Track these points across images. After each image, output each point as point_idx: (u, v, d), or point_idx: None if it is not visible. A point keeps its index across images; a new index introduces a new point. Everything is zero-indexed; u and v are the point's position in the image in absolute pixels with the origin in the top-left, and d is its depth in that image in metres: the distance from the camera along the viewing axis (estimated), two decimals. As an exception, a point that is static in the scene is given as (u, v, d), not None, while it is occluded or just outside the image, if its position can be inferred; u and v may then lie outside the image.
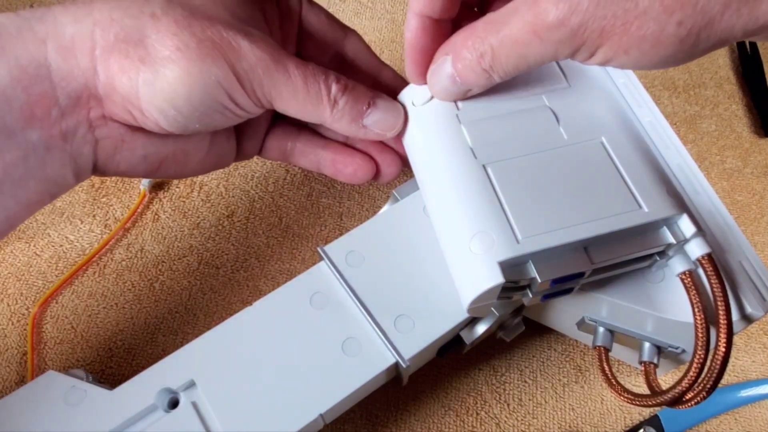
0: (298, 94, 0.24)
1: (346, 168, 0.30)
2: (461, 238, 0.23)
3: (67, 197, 0.38)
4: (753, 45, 0.47)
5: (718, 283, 0.24)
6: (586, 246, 0.23)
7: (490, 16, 0.22)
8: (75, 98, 0.22)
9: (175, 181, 0.39)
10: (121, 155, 0.25)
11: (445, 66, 0.24)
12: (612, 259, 0.23)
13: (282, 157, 0.31)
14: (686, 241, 0.24)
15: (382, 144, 0.31)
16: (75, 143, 0.23)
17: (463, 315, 0.26)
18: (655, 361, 0.27)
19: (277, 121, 0.31)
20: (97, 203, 0.38)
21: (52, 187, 0.23)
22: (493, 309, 0.26)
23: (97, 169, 0.25)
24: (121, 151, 0.25)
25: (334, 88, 0.25)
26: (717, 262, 0.24)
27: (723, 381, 0.28)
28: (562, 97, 0.27)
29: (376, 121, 0.26)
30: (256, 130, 0.30)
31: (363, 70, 0.31)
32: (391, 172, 0.31)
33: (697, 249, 0.24)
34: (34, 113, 0.21)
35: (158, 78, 0.22)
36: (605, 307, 0.27)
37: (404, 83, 0.30)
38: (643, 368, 0.27)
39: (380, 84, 0.31)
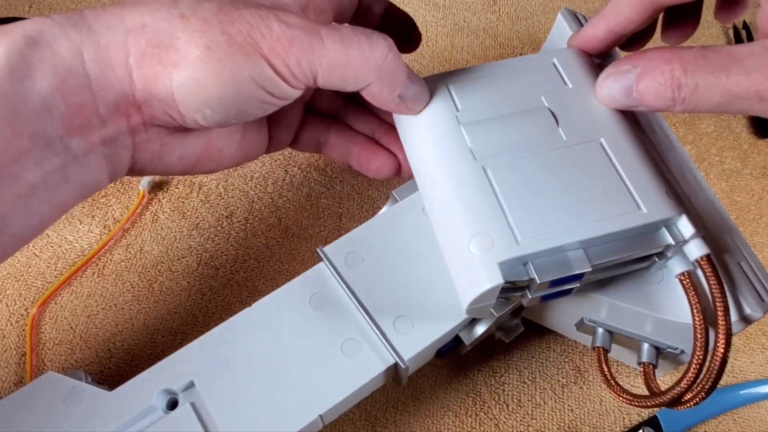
0: (339, 62, 0.24)
1: (371, 164, 0.31)
2: (461, 239, 0.23)
3: (66, 198, 0.38)
4: (752, 46, 0.47)
5: (716, 284, 0.24)
6: (585, 247, 0.23)
7: (706, 52, 0.22)
8: (114, 106, 0.22)
9: (174, 182, 0.39)
10: (159, 158, 0.25)
11: (627, 77, 0.24)
12: (611, 260, 0.23)
13: (315, 150, 0.32)
14: (685, 242, 0.24)
15: None
16: (115, 149, 0.23)
17: (462, 316, 0.26)
18: (654, 362, 0.27)
19: (308, 114, 0.31)
20: (96, 204, 0.38)
21: (86, 190, 0.24)
22: (492, 310, 0.26)
23: (133, 171, 0.25)
24: (160, 154, 0.25)
25: (383, 48, 0.24)
26: (716, 264, 0.24)
27: (722, 382, 0.28)
28: (562, 97, 0.27)
29: (413, 95, 0.26)
30: (289, 122, 0.30)
31: (376, 9, 0.31)
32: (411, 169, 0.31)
33: (695, 250, 0.24)
34: (74, 122, 0.21)
35: (190, 81, 0.22)
36: (604, 308, 0.27)
37: (407, 14, 0.31)
38: (642, 369, 0.27)
39: (388, 18, 0.31)
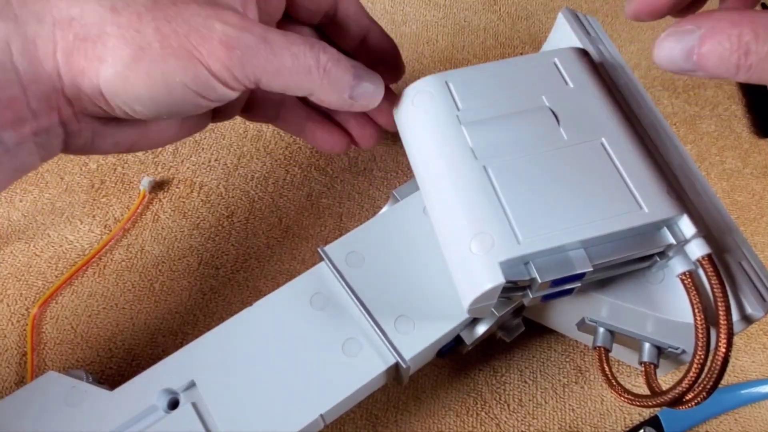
0: (285, 69, 0.23)
1: (325, 143, 0.31)
2: (462, 239, 0.23)
3: (67, 198, 0.38)
4: (753, 45, 0.47)
5: (718, 284, 0.24)
6: (586, 247, 0.23)
7: None
8: (45, 100, 0.22)
9: (175, 182, 0.39)
10: (92, 144, 0.25)
11: (689, 38, 0.21)
12: (612, 260, 0.23)
13: (267, 121, 0.32)
14: (686, 241, 0.24)
15: (362, 117, 0.31)
16: (47, 138, 0.23)
17: (463, 315, 0.26)
18: (655, 361, 0.27)
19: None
20: (97, 204, 0.38)
21: (18, 173, 0.23)
22: (493, 309, 0.26)
23: (67, 152, 0.25)
24: (92, 140, 0.24)
25: (323, 58, 0.24)
26: (717, 263, 0.24)
27: (723, 381, 0.28)
28: (562, 97, 0.27)
29: (363, 93, 0.26)
30: (236, 100, 0.29)
31: (352, 29, 0.30)
32: (368, 144, 0.32)
33: (697, 250, 0.24)
34: (6, 117, 0.21)
35: (118, 78, 0.21)
36: (605, 307, 0.27)
37: (391, 43, 0.31)
38: (643, 369, 0.27)
39: (368, 43, 0.31)
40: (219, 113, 0.29)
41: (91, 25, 0.21)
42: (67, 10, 0.21)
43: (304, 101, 0.31)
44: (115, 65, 0.21)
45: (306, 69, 0.23)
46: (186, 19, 0.21)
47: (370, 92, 0.26)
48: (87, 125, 0.24)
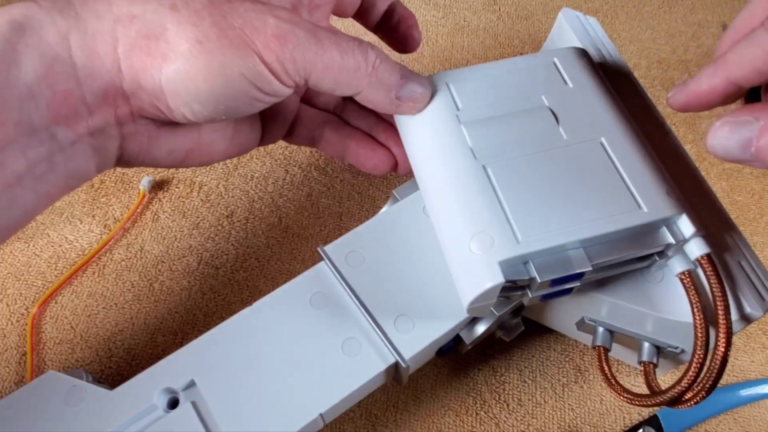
0: (334, 65, 0.23)
1: (368, 161, 0.31)
2: (461, 238, 0.23)
3: (67, 197, 0.38)
4: (752, 45, 0.47)
5: (717, 284, 0.24)
6: (585, 246, 0.23)
7: None
8: (102, 96, 0.22)
9: (175, 182, 0.39)
10: (147, 151, 0.25)
11: (746, 130, 0.21)
12: (611, 260, 0.23)
13: (309, 144, 0.32)
14: (685, 241, 0.24)
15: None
16: (102, 139, 0.23)
17: (462, 315, 0.26)
18: (655, 361, 0.27)
19: (303, 107, 0.31)
20: (97, 203, 0.38)
21: (73, 181, 0.23)
22: (492, 309, 0.26)
23: (121, 162, 0.25)
24: (148, 147, 0.25)
25: (371, 56, 0.24)
26: (716, 263, 0.24)
27: (722, 381, 0.28)
28: (562, 97, 0.27)
29: (410, 94, 0.26)
30: (283, 115, 0.30)
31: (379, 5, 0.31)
32: (407, 166, 0.31)
33: (696, 249, 0.24)
34: (60, 111, 0.21)
35: (180, 74, 0.21)
36: (605, 307, 0.27)
37: (410, 12, 0.31)
38: (642, 368, 0.27)
39: (391, 16, 0.31)
40: (266, 133, 0.30)
41: (152, 22, 0.21)
42: (128, 7, 0.22)
43: (345, 121, 0.32)
44: (176, 60, 0.21)
45: (355, 66, 0.24)
46: (241, 14, 0.22)
47: (417, 93, 0.26)
48: (143, 128, 0.24)
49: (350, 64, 0.24)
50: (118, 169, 0.39)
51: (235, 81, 0.22)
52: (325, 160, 0.41)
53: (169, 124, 0.24)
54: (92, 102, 0.22)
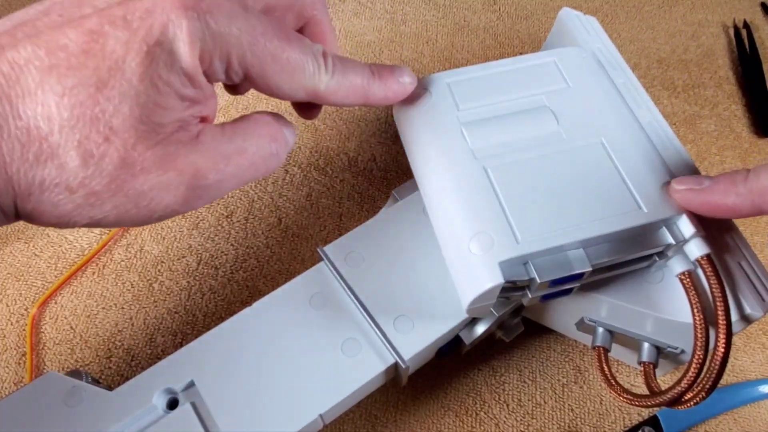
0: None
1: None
2: (461, 239, 0.23)
3: (67, 197, 0.38)
4: (752, 45, 0.47)
5: (717, 284, 0.24)
6: (585, 247, 0.23)
7: None
8: None
9: (175, 182, 0.39)
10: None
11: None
12: (611, 260, 0.23)
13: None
14: (685, 241, 0.24)
15: None
16: None
17: (462, 315, 0.26)
18: (655, 361, 0.27)
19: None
20: (97, 203, 0.38)
21: None
22: (492, 309, 0.26)
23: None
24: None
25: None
26: (716, 263, 0.24)
27: (722, 381, 0.28)
28: (562, 97, 0.27)
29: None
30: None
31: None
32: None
33: (696, 249, 0.24)
34: None
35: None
36: (604, 307, 0.27)
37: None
38: (642, 368, 0.27)
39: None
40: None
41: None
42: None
43: None
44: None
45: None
46: None
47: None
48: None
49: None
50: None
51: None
52: (325, 160, 0.41)
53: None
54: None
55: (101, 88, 0.18)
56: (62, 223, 0.19)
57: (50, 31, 0.18)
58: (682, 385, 0.24)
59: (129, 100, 0.18)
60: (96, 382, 0.26)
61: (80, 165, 0.18)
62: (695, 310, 0.24)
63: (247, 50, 0.20)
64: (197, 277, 0.36)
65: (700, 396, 0.23)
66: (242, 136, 0.21)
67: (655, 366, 0.27)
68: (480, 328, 0.27)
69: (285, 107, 0.42)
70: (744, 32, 0.49)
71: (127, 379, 0.25)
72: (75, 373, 0.26)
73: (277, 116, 0.23)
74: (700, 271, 0.24)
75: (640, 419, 0.33)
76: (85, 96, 0.17)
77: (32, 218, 0.19)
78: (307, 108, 0.26)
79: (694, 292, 0.24)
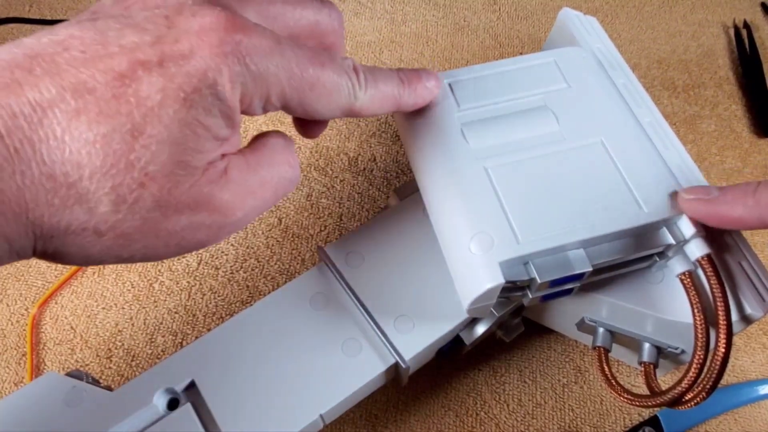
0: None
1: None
2: (461, 239, 0.23)
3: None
4: (752, 45, 0.47)
5: (717, 284, 0.24)
6: (585, 247, 0.23)
7: None
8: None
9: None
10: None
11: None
12: (611, 260, 0.23)
13: None
14: (686, 241, 0.24)
15: None
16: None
17: (462, 315, 0.26)
18: (655, 361, 0.27)
19: None
20: (97, 203, 0.38)
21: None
22: (492, 309, 0.26)
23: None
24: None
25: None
26: (716, 263, 0.24)
27: (723, 381, 0.28)
28: (562, 97, 0.27)
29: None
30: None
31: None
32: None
33: (696, 250, 0.24)
34: None
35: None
36: (605, 307, 0.27)
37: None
38: (642, 369, 0.27)
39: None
40: None
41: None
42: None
43: None
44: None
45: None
46: None
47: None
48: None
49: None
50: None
51: None
52: (325, 160, 0.41)
53: None
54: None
55: (137, 136, 0.17)
56: (88, 263, 0.19)
57: (74, 70, 0.16)
58: (683, 385, 0.24)
59: (167, 147, 0.17)
60: (96, 382, 0.26)
61: (112, 210, 0.17)
62: (695, 311, 0.24)
63: (285, 85, 0.19)
64: (197, 277, 0.36)
65: (701, 396, 0.23)
66: (265, 167, 0.21)
67: (656, 366, 0.27)
68: (480, 329, 0.27)
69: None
70: (744, 32, 0.49)
71: (128, 379, 0.25)
72: (75, 374, 0.26)
73: (288, 140, 0.22)
74: (700, 271, 0.24)
75: (641, 419, 0.33)
76: (120, 143, 0.16)
77: (54, 258, 0.18)
78: (312, 127, 0.25)
79: (694, 292, 0.24)
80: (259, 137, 0.22)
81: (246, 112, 0.19)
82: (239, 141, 0.21)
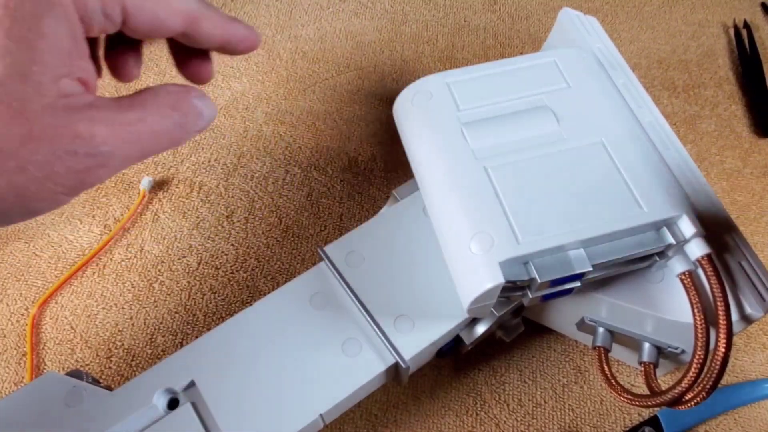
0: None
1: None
2: (461, 239, 0.23)
3: (67, 197, 0.38)
4: (753, 45, 0.47)
5: (717, 284, 0.24)
6: (585, 246, 0.23)
7: None
8: None
9: (175, 181, 0.39)
10: None
11: None
12: (612, 260, 0.23)
13: None
14: (686, 241, 0.24)
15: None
16: None
17: (462, 315, 0.26)
18: (655, 361, 0.27)
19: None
20: (97, 203, 0.38)
21: None
22: (492, 309, 0.26)
23: None
24: None
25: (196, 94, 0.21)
26: (716, 263, 0.24)
27: (722, 381, 0.28)
28: (562, 97, 0.27)
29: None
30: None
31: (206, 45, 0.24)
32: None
33: (696, 249, 0.24)
34: None
35: None
36: (605, 307, 0.27)
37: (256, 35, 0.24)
38: (642, 369, 0.27)
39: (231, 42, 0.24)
40: None
41: None
42: None
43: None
44: None
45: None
46: None
47: None
48: None
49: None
50: (118, 169, 0.39)
51: None
52: (326, 160, 0.41)
53: None
54: None
55: None
56: None
57: None
58: (683, 385, 0.24)
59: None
60: (96, 382, 0.26)
61: None
62: (696, 310, 0.24)
63: None
64: (198, 277, 0.36)
65: (701, 396, 0.23)
66: (141, 106, 0.20)
67: (656, 366, 0.27)
68: (480, 328, 0.27)
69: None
70: (744, 32, 0.49)
71: (128, 379, 0.25)
72: (75, 373, 0.26)
73: (184, 87, 0.21)
74: (700, 271, 0.24)
75: (641, 419, 0.33)
76: None
77: None
78: (194, 63, 0.23)
79: (694, 292, 0.24)
80: (148, 87, 0.21)
81: (84, 19, 0.18)
82: (93, 68, 0.19)
